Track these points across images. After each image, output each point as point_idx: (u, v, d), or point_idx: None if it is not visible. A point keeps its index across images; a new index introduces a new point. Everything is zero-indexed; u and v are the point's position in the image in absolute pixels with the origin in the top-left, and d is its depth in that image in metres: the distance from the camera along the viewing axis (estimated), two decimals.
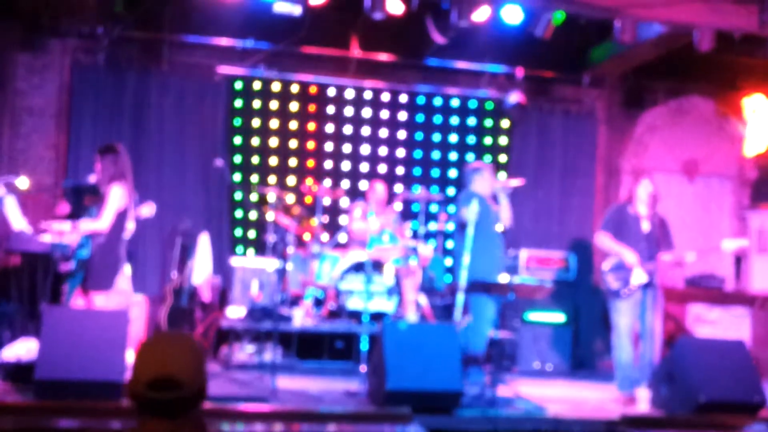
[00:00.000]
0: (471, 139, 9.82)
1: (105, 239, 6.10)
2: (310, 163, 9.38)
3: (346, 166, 9.50)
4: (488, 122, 9.86)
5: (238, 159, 9.16)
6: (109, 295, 6.16)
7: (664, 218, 7.04)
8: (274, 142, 9.28)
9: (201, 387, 2.13)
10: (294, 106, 9.35)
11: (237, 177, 9.03)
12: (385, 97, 9.59)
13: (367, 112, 9.56)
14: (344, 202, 9.08)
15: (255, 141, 9.24)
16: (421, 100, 9.69)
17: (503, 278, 6.48)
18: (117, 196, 6.10)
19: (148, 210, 6.82)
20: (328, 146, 9.44)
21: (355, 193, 9.19)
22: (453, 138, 9.77)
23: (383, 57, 9.36)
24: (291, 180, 9.25)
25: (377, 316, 7.70)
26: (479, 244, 6.76)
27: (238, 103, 9.20)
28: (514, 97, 9.17)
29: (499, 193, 7.14)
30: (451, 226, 8.83)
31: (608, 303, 6.89)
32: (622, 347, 6.78)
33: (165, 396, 2.05)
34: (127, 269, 6.37)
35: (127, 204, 6.20)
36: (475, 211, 6.71)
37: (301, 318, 7.75)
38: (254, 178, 9.10)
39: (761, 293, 9.58)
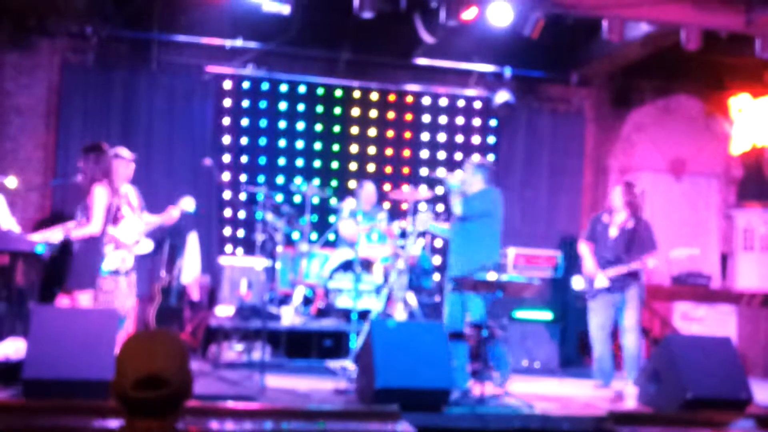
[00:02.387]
0: (459, 138, 9.84)
1: (88, 238, 6.08)
2: (300, 162, 9.39)
3: (335, 165, 9.51)
4: (476, 121, 9.89)
5: (227, 158, 9.17)
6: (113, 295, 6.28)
7: (644, 221, 7.29)
8: (263, 141, 9.29)
9: (187, 383, 2.12)
10: (283, 106, 9.36)
11: (226, 176, 9.03)
12: (374, 96, 9.61)
13: (356, 111, 9.58)
14: (333, 201, 9.09)
15: (244, 140, 9.24)
16: (409, 99, 9.71)
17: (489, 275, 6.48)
18: (101, 196, 6.08)
19: (187, 203, 6.90)
20: (318, 145, 9.46)
21: (344, 192, 9.21)
22: (441, 137, 9.79)
23: (372, 56, 9.37)
24: (280, 179, 9.26)
25: (365, 315, 7.71)
26: None
27: (227, 102, 9.20)
28: (502, 96, 9.20)
29: None
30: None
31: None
32: (594, 342, 7.24)
33: (152, 395, 2.04)
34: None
35: (110, 202, 6.19)
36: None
37: (289, 316, 7.76)
38: (243, 177, 9.11)
39: (747, 291, 9.65)
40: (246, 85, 9.22)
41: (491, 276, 6.44)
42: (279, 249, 8.18)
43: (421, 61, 9.40)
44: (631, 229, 7.18)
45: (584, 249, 7.38)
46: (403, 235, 8.36)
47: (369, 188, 8.57)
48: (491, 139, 9.91)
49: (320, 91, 9.45)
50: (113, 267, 6.44)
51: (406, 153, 9.71)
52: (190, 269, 7.97)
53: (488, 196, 6.85)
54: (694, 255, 9.21)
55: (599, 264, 7.19)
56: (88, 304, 6.05)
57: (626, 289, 7.11)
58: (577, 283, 7.36)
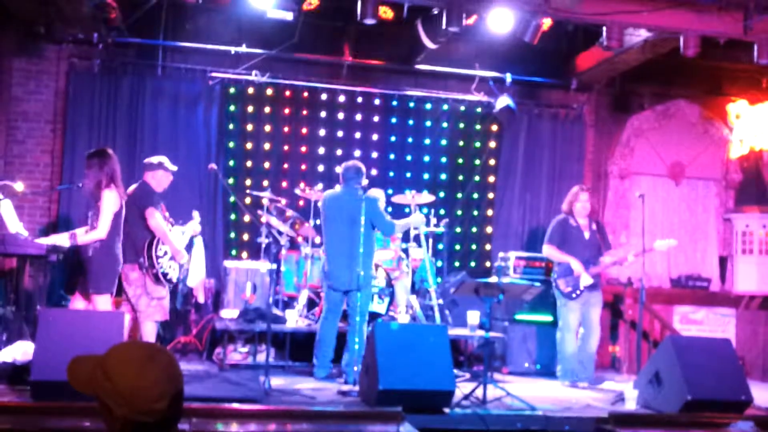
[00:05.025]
0: (461, 143, 9.91)
1: (101, 243, 6.16)
2: (303, 166, 9.46)
3: (338, 169, 9.56)
4: (478, 126, 9.95)
5: (231, 163, 9.24)
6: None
7: (600, 222, 7.89)
8: (267, 146, 9.35)
9: (177, 412, 2.14)
10: (287, 111, 9.43)
11: (231, 180, 9.10)
12: (377, 101, 9.68)
13: (358, 116, 9.65)
14: None
15: (248, 145, 9.31)
16: (411, 104, 9.78)
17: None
18: (110, 201, 6.16)
19: (197, 216, 7.19)
20: (321, 150, 9.53)
21: None
22: (443, 142, 9.86)
23: (375, 62, 9.46)
24: (284, 183, 9.32)
25: (369, 317, 7.76)
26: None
27: (232, 107, 9.27)
28: (503, 102, 9.27)
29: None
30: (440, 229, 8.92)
31: (559, 303, 7.71)
32: (569, 342, 7.57)
33: (180, 408, 2.10)
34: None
35: (120, 206, 6.27)
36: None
37: (294, 319, 7.82)
38: (248, 182, 9.18)
39: (746, 293, 9.72)
40: (250, 90, 9.28)
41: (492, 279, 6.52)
42: (283, 252, 8.24)
43: (423, 66, 9.48)
44: (596, 230, 7.73)
45: (555, 251, 7.68)
46: (406, 238, 8.44)
47: (376, 194, 8.60)
48: (492, 144, 9.97)
49: (323, 96, 9.51)
50: (169, 276, 6.60)
51: (409, 157, 9.78)
52: (195, 272, 8.01)
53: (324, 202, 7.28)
54: (692, 257, 9.31)
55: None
56: (107, 307, 6.13)
57: (596, 288, 7.63)
58: (564, 285, 7.61)
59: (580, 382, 7.48)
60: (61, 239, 6.30)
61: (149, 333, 6.51)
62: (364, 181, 7.32)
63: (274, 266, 7.96)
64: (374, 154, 9.68)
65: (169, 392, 2.02)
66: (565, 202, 7.88)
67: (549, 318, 8.60)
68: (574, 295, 7.54)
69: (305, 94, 9.44)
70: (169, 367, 2.07)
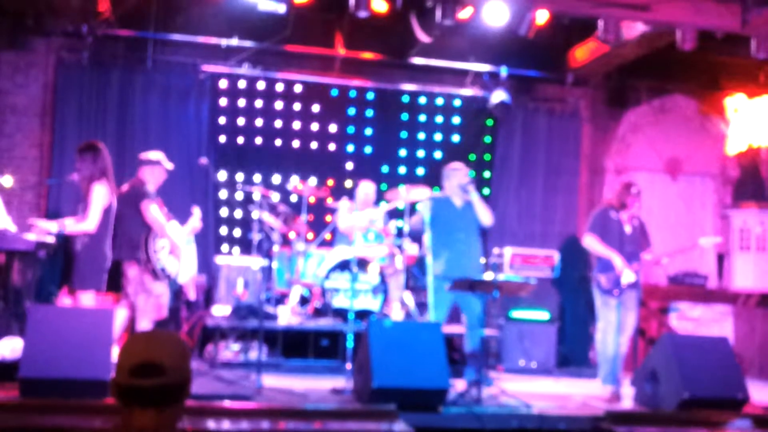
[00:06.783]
0: (455, 138, 9.84)
1: (90, 238, 6.08)
2: (295, 161, 9.38)
3: (331, 164, 9.51)
4: (473, 121, 9.88)
5: (222, 157, 9.15)
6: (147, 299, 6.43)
7: (642, 219, 7.35)
8: (258, 140, 9.28)
9: (185, 376, 2.11)
10: (279, 105, 9.35)
11: (222, 175, 9.02)
12: (370, 95, 9.61)
13: (352, 111, 9.57)
14: (329, 200, 9.09)
15: (240, 139, 9.23)
16: (405, 98, 9.70)
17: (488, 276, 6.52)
18: (100, 195, 6.10)
19: (198, 212, 7.25)
20: (313, 145, 9.45)
21: (340, 192, 9.20)
22: (437, 136, 9.79)
23: (368, 56, 9.37)
24: (276, 178, 9.25)
25: (362, 314, 7.71)
26: (441, 243, 7.05)
27: (223, 101, 9.19)
28: (499, 96, 9.19)
29: (467, 190, 7.17)
30: None
31: (597, 301, 7.09)
32: (609, 343, 6.94)
33: (149, 383, 2.03)
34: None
35: (110, 201, 6.20)
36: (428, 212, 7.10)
37: (286, 316, 7.76)
38: (239, 177, 9.10)
39: (743, 291, 9.67)
40: (242, 84, 9.21)
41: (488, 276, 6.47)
42: (275, 248, 8.18)
43: (418, 60, 9.39)
44: (638, 225, 7.21)
45: (597, 242, 7.07)
46: (400, 234, 8.36)
47: (367, 187, 8.56)
48: (487, 139, 9.90)
49: (316, 90, 9.43)
50: (168, 271, 6.53)
51: (403, 152, 9.71)
52: (186, 269, 7.94)
53: None
54: (692, 253, 9.25)
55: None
56: (91, 304, 6.06)
57: (636, 287, 7.03)
58: (605, 280, 6.99)
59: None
60: (50, 225, 6.22)
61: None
62: (450, 182, 7.28)
63: (266, 262, 7.91)
64: (367, 149, 9.61)
65: (143, 357, 2.02)
66: (611, 193, 7.66)
67: (545, 315, 8.55)
68: (615, 292, 6.96)
69: (297, 87, 9.35)
70: (158, 341, 2.09)
